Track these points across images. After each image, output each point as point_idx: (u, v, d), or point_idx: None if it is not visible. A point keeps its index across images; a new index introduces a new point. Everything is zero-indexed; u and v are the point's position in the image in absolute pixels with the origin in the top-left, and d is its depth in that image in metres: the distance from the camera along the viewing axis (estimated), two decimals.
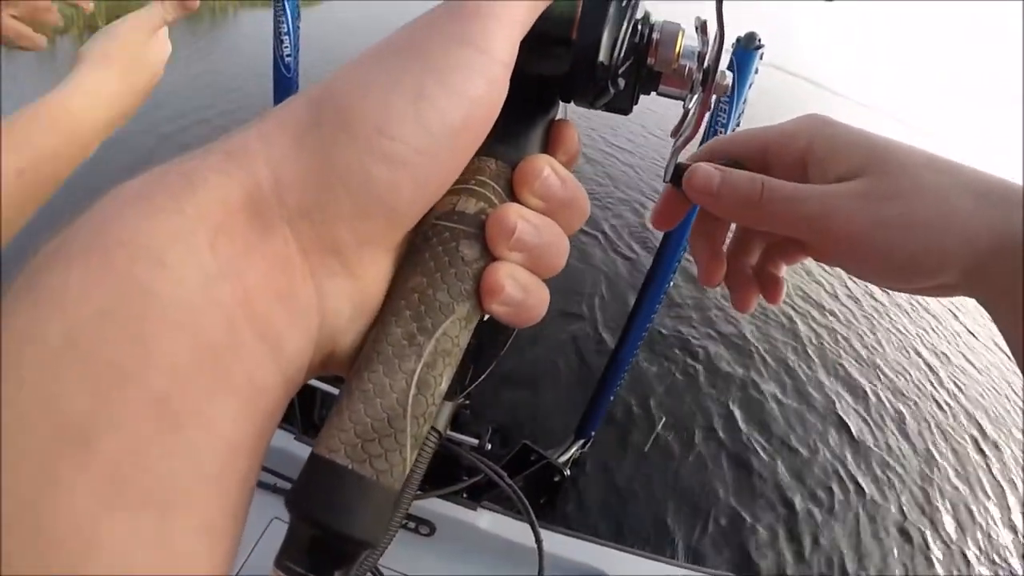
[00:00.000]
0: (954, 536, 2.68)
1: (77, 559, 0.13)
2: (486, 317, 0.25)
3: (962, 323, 5.37)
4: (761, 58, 1.03)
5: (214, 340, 0.16)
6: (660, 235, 1.40)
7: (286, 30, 1.24)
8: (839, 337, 4.05)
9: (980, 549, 2.67)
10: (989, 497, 3.04)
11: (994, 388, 4.34)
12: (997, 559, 2.65)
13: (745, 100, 1.09)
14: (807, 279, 4.66)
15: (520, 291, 0.22)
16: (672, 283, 1.32)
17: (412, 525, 1.09)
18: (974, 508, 2.92)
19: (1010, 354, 0.26)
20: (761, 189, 0.29)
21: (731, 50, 1.04)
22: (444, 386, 0.21)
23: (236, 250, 0.17)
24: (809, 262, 0.33)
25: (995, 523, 2.89)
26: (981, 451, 3.44)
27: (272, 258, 0.18)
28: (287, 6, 1.23)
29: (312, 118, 0.19)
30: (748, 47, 1.03)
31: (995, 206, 0.26)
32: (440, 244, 0.22)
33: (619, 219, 4.55)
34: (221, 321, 0.16)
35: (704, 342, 3.33)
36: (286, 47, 1.25)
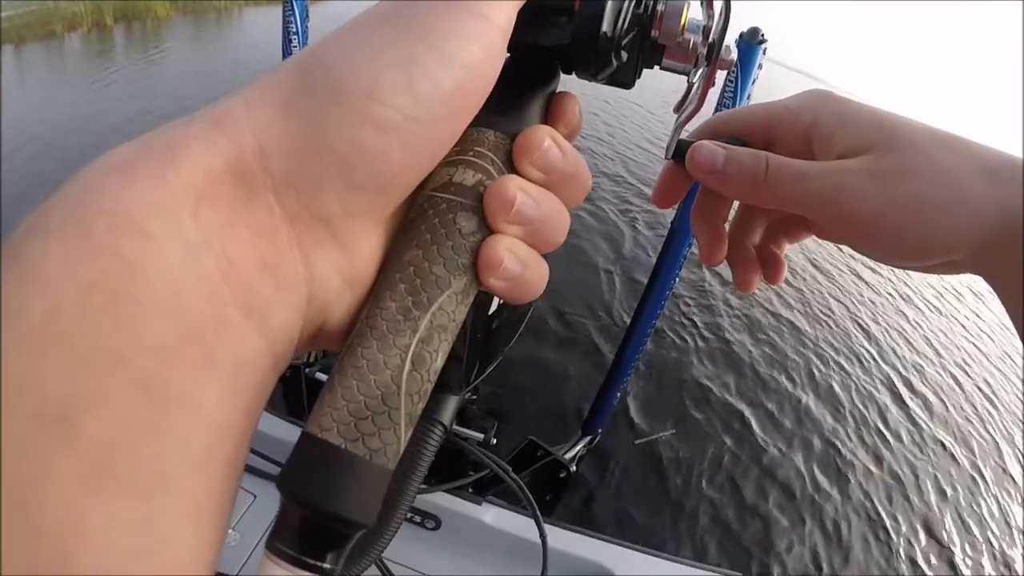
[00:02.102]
0: None
1: (62, 543, 0.13)
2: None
3: None
4: (764, 53, 1.03)
5: (198, 315, 0.16)
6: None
7: (295, 29, 1.25)
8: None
9: None
10: None
11: None
12: None
13: (749, 96, 1.08)
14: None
15: (518, 265, 0.21)
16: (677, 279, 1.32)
17: (417, 519, 1.09)
18: None
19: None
20: (766, 167, 0.28)
21: (733, 45, 1.04)
22: (440, 362, 0.20)
23: (220, 219, 0.17)
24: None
25: None
26: None
27: (257, 227, 0.18)
28: (296, 5, 1.24)
29: (299, 83, 0.18)
30: (751, 42, 1.03)
31: (1005, 184, 0.25)
32: (437, 216, 0.21)
33: None
34: (205, 294, 0.16)
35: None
36: (295, 46, 1.26)
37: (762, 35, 1.01)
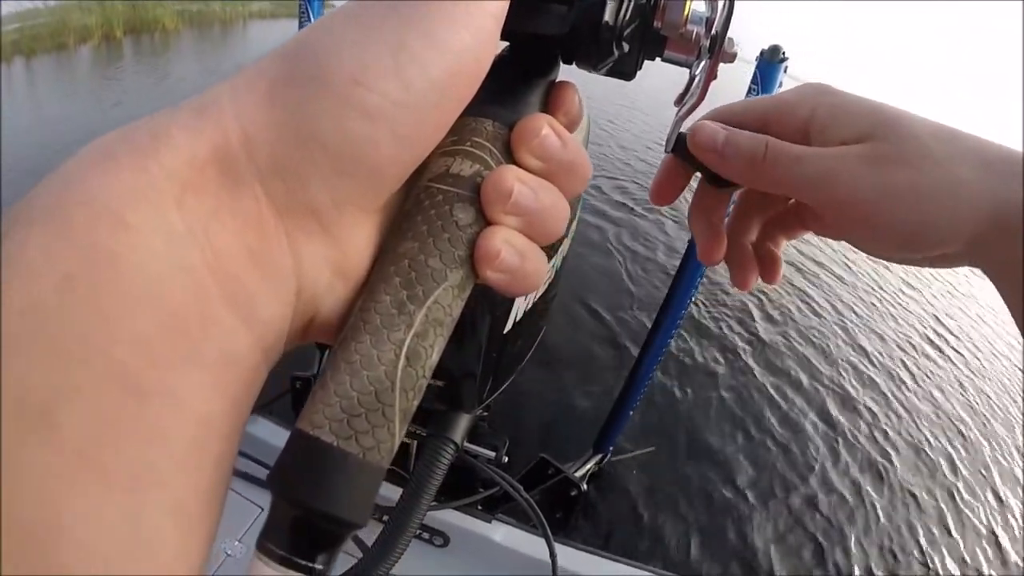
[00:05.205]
0: None
1: (42, 541, 0.13)
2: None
3: None
4: (786, 71, 1.03)
5: (182, 307, 0.15)
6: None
7: None
8: None
9: None
10: None
11: None
12: None
13: None
14: None
15: (516, 257, 0.21)
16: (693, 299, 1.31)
17: (426, 536, 1.08)
18: None
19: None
20: (765, 148, 0.28)
21: (755, 63, 1.05)
22: (435, 358, 0.20)
23: (205, 209, 0.16)
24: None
25: None
26: None
27: (243, 217, 0.17)
28: (311, 14, 1.25)
29: (285, 71, 0.18)
30: (772, 60, 1.03)
31: (999, 175, 0.25)
32: (433, 208, 0.21)
33: None
34: (189, 286, 0.16)
35: None
36: None
37: (783, 53, 1.01)
